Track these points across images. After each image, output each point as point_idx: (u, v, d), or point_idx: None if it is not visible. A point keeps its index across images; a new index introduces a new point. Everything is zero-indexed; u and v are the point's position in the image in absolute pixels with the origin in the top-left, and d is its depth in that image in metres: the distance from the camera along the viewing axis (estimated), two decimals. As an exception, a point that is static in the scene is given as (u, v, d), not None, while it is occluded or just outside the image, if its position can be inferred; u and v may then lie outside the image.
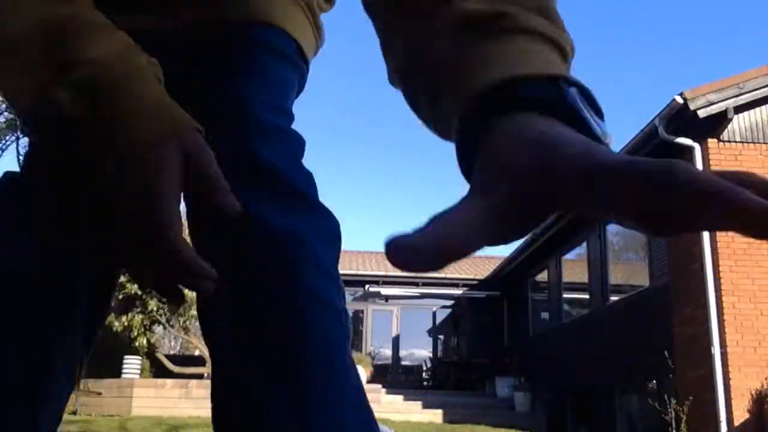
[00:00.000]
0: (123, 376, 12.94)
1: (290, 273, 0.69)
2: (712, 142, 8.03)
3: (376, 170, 48.22)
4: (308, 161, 0.82)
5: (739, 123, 8.11)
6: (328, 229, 0.75)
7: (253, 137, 0.75)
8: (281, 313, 0.68)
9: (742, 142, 8.09)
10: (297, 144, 0.80)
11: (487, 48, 0.44)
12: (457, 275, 17.77)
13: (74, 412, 11.46)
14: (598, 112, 0.41)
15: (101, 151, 0.54)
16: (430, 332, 18.43)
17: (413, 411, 12.06)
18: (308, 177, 0.78)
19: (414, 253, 0.34)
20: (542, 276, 14.23)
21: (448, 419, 11.63)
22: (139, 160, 0.53)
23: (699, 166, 7.97)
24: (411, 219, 49.13)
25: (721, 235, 7.69)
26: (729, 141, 8.07)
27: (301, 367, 0.67)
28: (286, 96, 0.87)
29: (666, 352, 7.87)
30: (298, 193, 0.74)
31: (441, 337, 18.80)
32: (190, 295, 0.60)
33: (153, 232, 0.52)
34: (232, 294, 0.69)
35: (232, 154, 0.71)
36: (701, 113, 7.77)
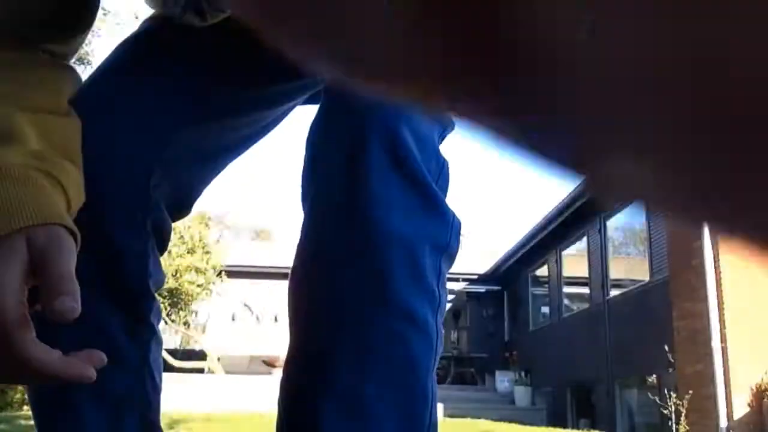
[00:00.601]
0: (124, 370, 12.96)
1: (384, 283, 0.62)
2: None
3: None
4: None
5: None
6: (444, 234, 0.67)
7: (393, 115, 0.65)
8: (361, 325, 0.62)
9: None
10: (437, 126, 0.71)
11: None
12: (456, 269, 17.76)
13: (75, 407, 11.49)
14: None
15: None
16: (430, 327, 18.45)
17: (413, 405, 12.08)
18: (441, 167, 0.69)
19: None
20: (542, 270, 14.23)
21: (448, 413, 11.64)
22: None
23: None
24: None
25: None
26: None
27: (368, 392, 0.61)
28: None
29: (666, 347, 7.88)
30: (425, 187, 0.65)
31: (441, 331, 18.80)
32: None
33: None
34: (326, 294, 0.64)
35: (369, 129, 0.64)
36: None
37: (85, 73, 0.78)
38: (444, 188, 0.68)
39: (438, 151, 0.68)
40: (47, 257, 0.51)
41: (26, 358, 0.48)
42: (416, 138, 0.65)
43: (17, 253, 0.51)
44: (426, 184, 0.65)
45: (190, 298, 13.44)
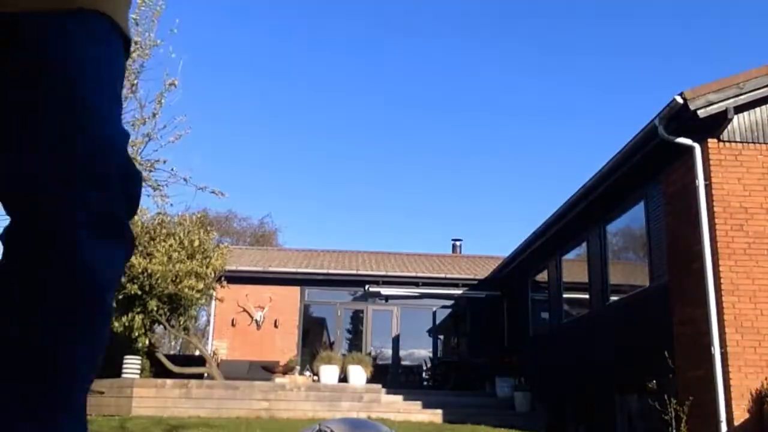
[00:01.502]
0: (123, 375, 12.94)
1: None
2: (712, 142, 8.02)
3: (375, 171, 48.32)
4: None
5: (739, 123, 8.10)
6: (123, 257, 0.90)
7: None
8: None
9: (742, 142, 8.09)
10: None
11: None
12: (457, 275, 17.76)
13: (74, 412, 11.44)
14: None
15: None
16: (430, 332, 18.43)
17: (413, 411, 12.06)
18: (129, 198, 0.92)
19: None
20: (542, 276, 14.23)
21: (448, 419, 11.62)
22: None
23: (699, 166, 7.96)
24: (411, 220, 49.02)
25: (721, 235, 7.69)
26: (729, 141, 8.07)
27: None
28: (113, 83, 0.92)
29: (666, 352, 7.87)
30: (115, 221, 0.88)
31: (441, 337, 18.78)
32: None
33: None
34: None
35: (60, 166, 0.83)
36: (701, 113, 7.77)
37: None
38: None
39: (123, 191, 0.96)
40: None
41: None
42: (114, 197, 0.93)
43: None
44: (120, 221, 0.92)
45: (189, 303, 13.41)
